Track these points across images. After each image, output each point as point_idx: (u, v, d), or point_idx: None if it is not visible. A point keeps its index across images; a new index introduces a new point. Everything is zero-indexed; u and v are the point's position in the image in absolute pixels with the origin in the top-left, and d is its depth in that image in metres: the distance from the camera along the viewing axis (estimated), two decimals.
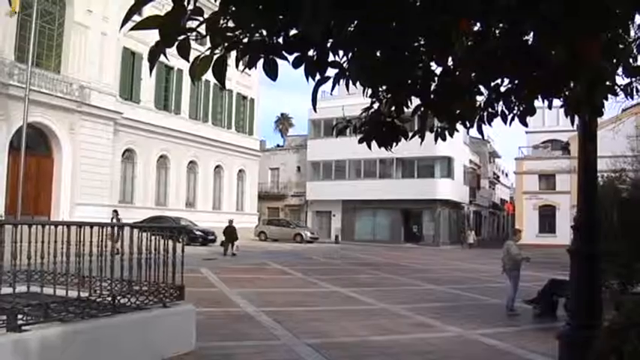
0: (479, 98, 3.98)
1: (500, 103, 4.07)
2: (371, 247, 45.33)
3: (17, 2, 27.26)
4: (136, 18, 2.54)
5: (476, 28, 3.22)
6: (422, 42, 3.24)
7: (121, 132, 38.41)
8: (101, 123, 36.02)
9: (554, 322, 12.47)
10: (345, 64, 3.04)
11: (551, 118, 56.76)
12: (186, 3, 2.39)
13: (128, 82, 40.01)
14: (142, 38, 36.81)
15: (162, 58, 2.58)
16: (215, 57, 2.51)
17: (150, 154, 41.67)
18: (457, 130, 4.46)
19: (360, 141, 4.31)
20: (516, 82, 3.79)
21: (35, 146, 32.23)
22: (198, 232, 37.23)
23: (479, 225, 70.26)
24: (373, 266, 27.67)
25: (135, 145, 40.31)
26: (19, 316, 6.56)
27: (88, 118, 34.98)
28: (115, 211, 24.98)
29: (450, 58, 3.41)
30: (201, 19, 2.46)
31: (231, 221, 32.65)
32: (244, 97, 51.98)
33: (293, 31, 2.72)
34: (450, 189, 54.69)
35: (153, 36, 2.44)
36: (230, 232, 32.54)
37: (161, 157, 42.95)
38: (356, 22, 2.78)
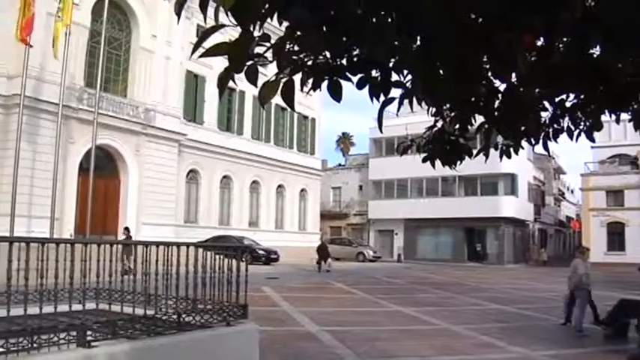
0: (544, 114, 3.92)
1: (566, 118, 4.00)
2: (434, 266, 44.84)
3: (68, 14, 27.88)
4: (198, 41, 2.57)
5: (539, 43, 3.17)
6: (485, 59, 3.21)
7: (185, 153, 39.10)
8: (166, 144, 36.79)
9: (625, 344, 12.07)
10: (408, 84, 3.03)
11: (618, 132, 55.19)
12: (252, 29, 2.42)
13: (191, 104, 40.78)
14: (205, 61, 37.49)
15: None
16: (283, 81, 2.54)
17: (213, 175, 42.26)
18: (522, 147, 4.40)
19: (424, 160, 4.29)
20: (582, 96, 3.72)
21: (103, 168, 33.09)
22: (261, 252, 37.45)
23: (544, 243, 68.74)
24: (436, 285, 27.36)
25: (199, 165, 40.96)
26: (89, 333, 6.70)
27: (153, 139, 35.79)
28: (127, 229, 24.93)
29: (513, 75, 3.37)
30: (268, 44, 2.49)
31: (323, 239, 33.32)
32: (306, 117, 52.30)
33: (356, 52, 2.73)
34: (514, 206, 53.74)
35: (215, 59, 2.49)
36: (323, 250, 34.23)
37: (224, 177, 43.51)
38: (419, 41, 2.78)
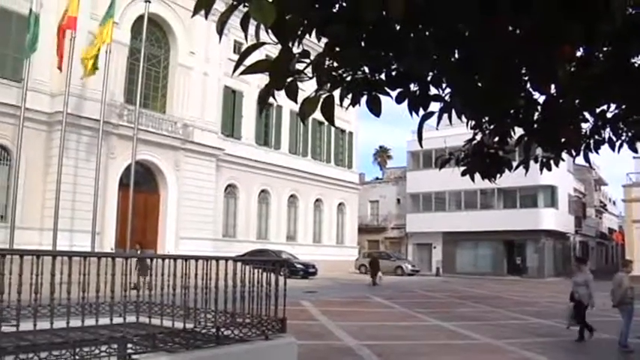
0: (584, 125, 3.87)
1: (607, 129, 3.94)
2: (473, 280, 44.38)
3: (91, 65, 28.44)
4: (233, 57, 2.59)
5: (579, 54, 3.14)
6: (524, 70, 3.19)
7: (223, 168, 39.40)
8: (204, 159, 37.14)
9: None
10: (447, 97, 3.02)
11: None
12: (292, 46, 2.44)
13: (229, 119, 41.13)
14: (242, 77, 37.60)
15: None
16: (323, 97, 2.55)
17: (251, 189, 42.49)
18: (563, 160, 4.34)
19: (464, 173, 4.26)
20: (624, 106, 3.67)
21: (143, 183, 33.51)
22: (299, 265, 37.44)
23: (586, 256, 67.55)
24: (476, 299, 27.06)
25: (236, 180, 41.23)
26: (129, 345, 6.78)
27: (191, 154, 36.15)
28: (139, 243, 24.66)
29: (553, 86, 3.34)
30: (307, 61, 2.51)
31: (374, 254, 33.84)
32: (343, 131, 52.32)
33: (395, 67, 2.73)
34: (555, 219, 53.00)
35: (252, 75, 2.51)
36: (375, 264, 35.44)
37: (262, 191, 43.70)
38: (457, 54, 2.77)
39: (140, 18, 31.99)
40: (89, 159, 29.38)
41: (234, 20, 2.42)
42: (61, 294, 8.93)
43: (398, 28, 2.54)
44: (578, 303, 14.31)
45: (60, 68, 27.32)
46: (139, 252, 22.03)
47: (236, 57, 39.59)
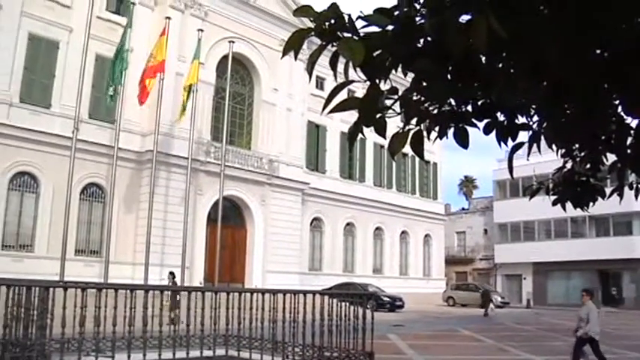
0: None
1: None
2: (566, 312, 42.77)
3: (195, 73, 29.40)
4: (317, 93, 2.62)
5: None
6: (615, 95, 3.10)
7: (309, 201, 39.71)
8: (290, 194, 37.55)
9: None
10: (534, 125, 2.96)
11: None
12: (379, 82, 2.46)
13: (313, 153, 41.53)
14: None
15: (344, 128, 2.66)
16: (412, 132, 2.55)
17: (337, 222, 42.60)
18: None
19: (555, 203, 4.14)
20: None
21: (230, 218, 34.19)
22: (385, 298, 37.10)
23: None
24: (569, 332, 26.07)
25: (322, 213, 41.44)
26: None
27: (277, 189, 36.64)
28: (172, 274, 24.10)
29: None
30: (395, 97, 2.52)
31: (485, 286, 34.12)
32: (427, 162, 51.89)
33: (481, 98, 2.70)
34: None
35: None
36: (486, 296, 36.62)
37: (347, 224, 43.75)
38: (545, 82, 2.72)
39: (224, 58, 32.99)
40: (178, 195, 30.24)
41: (320, 60, 2.46)
42: (153, 326, 9.17)
43: (484, 59, 2.52)
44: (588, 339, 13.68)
45: (141, 103, 28.22)
46: (170, 283, 21.96)
47: (318, 92, 40.39)
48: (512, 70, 2.61)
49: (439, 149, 52.00)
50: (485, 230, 61.53)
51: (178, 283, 24.59)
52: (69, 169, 25.56)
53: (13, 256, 26.40)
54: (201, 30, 31.01)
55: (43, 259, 26.72)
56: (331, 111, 2.51)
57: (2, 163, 26.87)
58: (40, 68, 28.79)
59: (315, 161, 41.61)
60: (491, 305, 36.14)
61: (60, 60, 29.15)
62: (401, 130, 2.54)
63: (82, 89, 26.37)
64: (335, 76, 2.52)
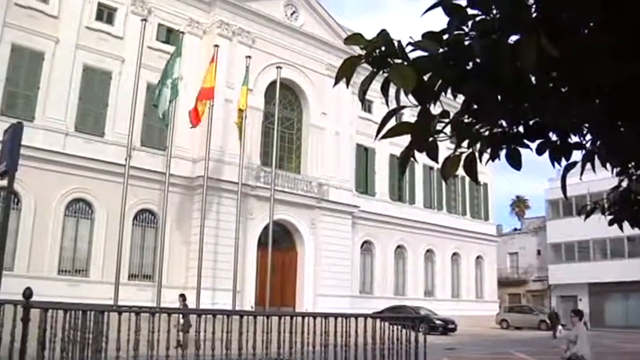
0: None
1: None
2: (625, 334, 41.64)
3: (245, 99, 29.75)
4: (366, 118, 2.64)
5: None
6: None
7: (359, 224, 39.63)
8: (340, 217, 37.55)
9: None
10: (588, 144, 2.92)
11: None
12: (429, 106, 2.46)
13: (363, 176, 41.50)
14: (372, 134, 38.23)
15: (393, 151, 2.67)
16: (464, 155, 2.55)
17: (387, 245, 42.37)
18: None
19: (611, 223, 4.06)
20: None
21: (280, 241, 34.34)
22: (438, 321, 36.63)
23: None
24: (629, 355, 25.38)
25: (372, 236, 41.28)
26: None
27: (327, 213, 36.68)
28: (182, 296, 23.55)
29: None
30: (446, 120, 2.52)
31: (553, 308, 34.19)
32: (479, 184, 51.30)
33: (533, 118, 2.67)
34: None
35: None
36: (553, 317, 37.49)
37: (398, 247, 43.47)
38: (597, 100, 2.68)
39: (272, 83, 33.39)
40: (229, 220, 30.48)
41: (360, 79, 2.48)
42: (205, 350, 9.23)
43: (534, 79, 2.50)
44: None
45: (194, 125, 28.65)
46: (181, 306, 21.81)
47: (366, 115, 40.48)
48: (563, 90, 2.58)
49: (490, 169, 51.39)
50: (539, 251, 60.42)
51: (238, 307, 24.69)
52: (122, 196, 26.08)
53: (69, 280, 26.98)
54: (249, 57, 31.49)
55: (97, 284, 27.27)
56: (383, 137, 2.52)
57: (59, 190, 27.61)
58: (94, 98, 29.65)
59: (364, 184, 41.56)
60: (560, 327, 35.48)
61: (113, 89, 29.98)
62: (453, 154, 2.54)
63: (134, 117, 26.97)
64: (387, 102, 2.53)
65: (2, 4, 27.23)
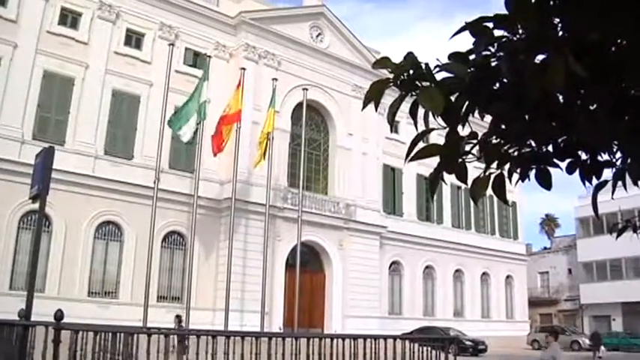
0: None
1: None
2: None
3: (260, 156, 29.98)
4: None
5: None
6: None
7: (387, 245, 39.46)
8: (368, 238, 37.43)
9: None
10: (618, 162, 2.88)
11: None
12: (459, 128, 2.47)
13: (390, 196, 41.38)
14: (400, 154, 38.64)
15: (420, 171, 2.68)
16: (493, 176, 2.54)
17: (415, 265, 42.10)
18: None
19: None
20: None
21: (308, 263, 34.31)
22: (467, 342, 36.25)
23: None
24: None
25: (400, 257, 41.06)
26: None
27: (355, 233, 36.60)
28: (178, 317, 23.32)
29: None
30: (475, 141, 2.52)
31: (594, 329, 34.24)
32: (507, 204, 50.80)
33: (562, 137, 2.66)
34: None
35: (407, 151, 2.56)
36: (596, 337, 36.88)
37: (427, 267, 43.16)
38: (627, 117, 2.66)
39: (299, 105, 33.62)
40: (257, 241, 30.56)
41: (388, 100, 2.49)
42: None
43: (561, 97, 2.50)
44: None
45: (215, 153, 28.87)
46: (176, 327, 21.53)
47: (393, 135, 40.34)
48: (592, 107, 2.57)
49: (518, 188, 50.95)
50: (570, 270, 59.65)
51: (267, 329, 24.64)
52: (151, 218, 26.32)
53: (98, 302, 27.19)
54: (276, 79, 31.72)
55: (126, 306, 27.44)
56: (412, 159, 2.53)
57: (88, 213, 27.93)
58: (123, 122, 30.10)
59: (391, 204, 41.44)
60: (603, 348, 35.05)
61: (141, 113, 30.41)
62: (482, 175, 2.53)
63: (162, 140, 27.26)
64: (415, 124, 2.54)
65: (34, 33, 27.87)
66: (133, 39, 31.27)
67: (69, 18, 29.41)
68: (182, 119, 27.40)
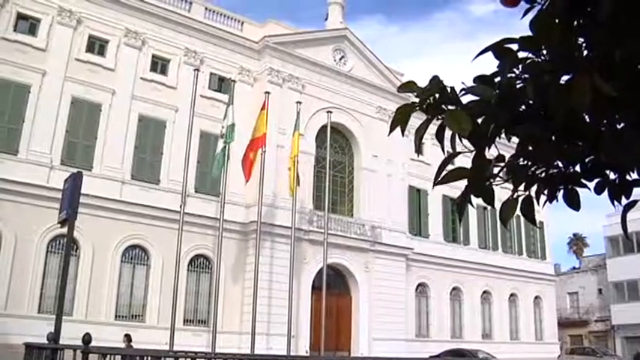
0: None
1: None
2: None
3: (296, 145, 30.08)
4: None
5: None
6: None
7: (413, 267, 39.21)
8: (394, 260, 37.23)
9: None
10: None
11: None
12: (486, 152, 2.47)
13: (416, 218, 41.19)
14: (425, 175, 38.61)
15: (446, 192, 2.68)
16: (521, 198, 2.54)
17: (442, 287, 41.76)
18: None
19: None
20: None
21: (334, 285, 34.21)
22: None
23: None
24: None
25: (427, 278, 40.76)
26: None
27: (381, 256, 36.43)
28: (127, 335, 22.77)
29: None
30: (502, 164, 2.53)
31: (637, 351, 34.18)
32: (536, 225, 50.26)
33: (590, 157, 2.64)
34: None
35: (432, 171, 2.57)
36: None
37: (454, 288, 42.79)
38: None
39: (323, 127, 33.74)
40: (283, 264, 30.55)
41: (414, 122, 2.50)
42: None
43: (589, 118, 2.49)
44: None
45: (247, 179, 29.10)
46: (126, 346, 21.02)
47: (418, 156, 40.18)
48: (618, 126, 2.56)
49: (545, 208, 50.12)
50: (600, 290, 58.75)
51: (293, 352, 24.55)
52: (177, 242, 26.42)
53: (126, 326, 27.21)
54: (300, 102, 31.88)
55: (153, 329, 27.51)
56: (441, 182, 2.53)
57: (116, 237, 28.17)
58: (149, 146, 30.44)
59: (417, 226, 41.23)
60: None
61: (167, 138, 30.72)
62: (510, 197, 2.53)
63: (188, 165, 27.48)
64: (442, 149, 2.56)
65: (63, 60, 28.40)
66: (159, 65, 31.70)
67: (96, 45, 29.91)
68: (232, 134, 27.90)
